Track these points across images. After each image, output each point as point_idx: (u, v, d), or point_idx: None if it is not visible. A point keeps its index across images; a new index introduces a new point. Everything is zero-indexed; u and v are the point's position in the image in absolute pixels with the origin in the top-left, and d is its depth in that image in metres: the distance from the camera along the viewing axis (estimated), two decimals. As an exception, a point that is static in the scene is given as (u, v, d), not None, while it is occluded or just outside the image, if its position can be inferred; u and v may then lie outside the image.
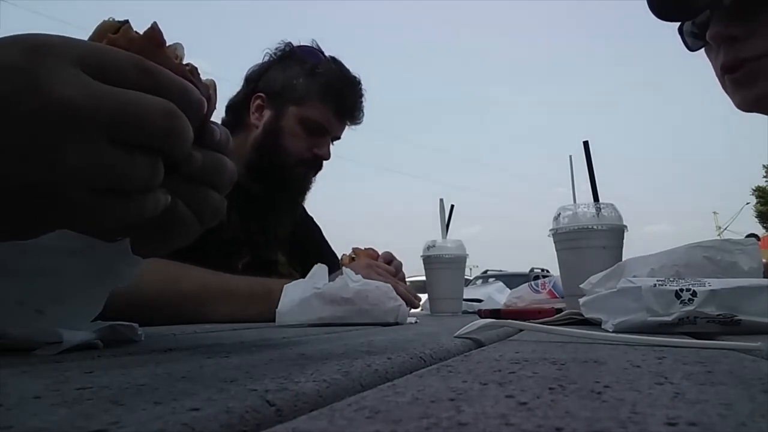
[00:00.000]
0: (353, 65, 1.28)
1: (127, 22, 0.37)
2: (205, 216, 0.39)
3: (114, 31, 0.36)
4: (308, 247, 1.35)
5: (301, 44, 1.29)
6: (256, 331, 0.62)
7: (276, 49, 1.28)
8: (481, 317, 0.82)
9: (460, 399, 0.19)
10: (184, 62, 0.37)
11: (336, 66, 1.26)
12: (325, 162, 1.26)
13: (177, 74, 0.35)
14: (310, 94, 1.21)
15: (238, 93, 1.28)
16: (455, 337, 0.46)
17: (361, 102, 1.28)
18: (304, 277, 0.83)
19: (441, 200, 1.20)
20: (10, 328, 0.34)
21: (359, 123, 1.30)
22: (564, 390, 0.21)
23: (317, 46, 1.29)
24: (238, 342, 0.46)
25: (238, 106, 1.26)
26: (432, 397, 0.19)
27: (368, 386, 0.25)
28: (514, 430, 0.15)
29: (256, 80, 1.26)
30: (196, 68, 0.37)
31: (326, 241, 1.49)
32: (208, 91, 0.38)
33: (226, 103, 1.28)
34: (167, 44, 0.37)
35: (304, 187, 1.28)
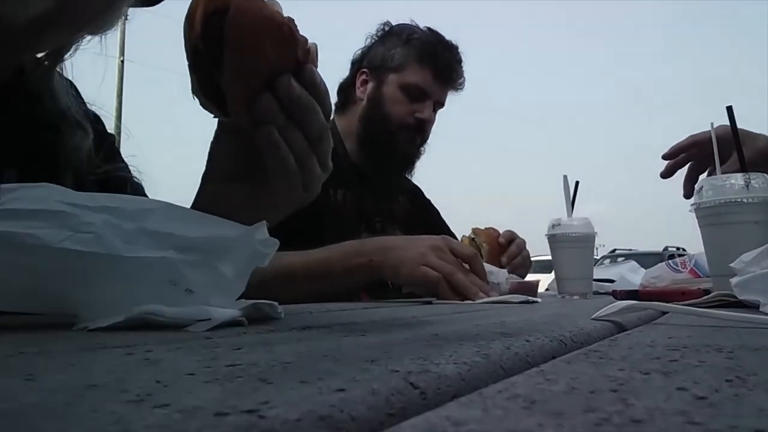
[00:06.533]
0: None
1: None
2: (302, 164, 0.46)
3: None
4: (427, 228, 1.35)
5: (399, 22, 1.34)
6: (386, 309, 0.63)
7: (377, 30, 1.34)
8: (618, 298, 0.77)
9: (623, 390, 0.17)
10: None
11: (431, 32, 1.30)
12: (432, 130, 1.29)
13: (278, 21, 0.41)
14: (408, 60, 1.25)
15: (347, 76, 1.35)
16: (593, 319, 0.43)
17: (460, 66, 1.30)
18: None
19: (565, 176, 1.14)
20: (164, 306, 0.36)
21: (461, 89, 1.32)
22: (744, 383, 0.18)
23: (414, 22, 1.34)
24: (370, 321, 0.46)
25: (345, 87, 1.33)
26: (590, 387, 0.18)
27: (509, 370, 0.24)
28: (700, 430, 0.13)
29: (360, 60, 1.32)
30: (293, 19, 0.42)
31: (445, 223, 1.48)
32: (307, 41, 0.44)
33: (336, 87, 1.35)
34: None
35: (410, 153, 1.30)
